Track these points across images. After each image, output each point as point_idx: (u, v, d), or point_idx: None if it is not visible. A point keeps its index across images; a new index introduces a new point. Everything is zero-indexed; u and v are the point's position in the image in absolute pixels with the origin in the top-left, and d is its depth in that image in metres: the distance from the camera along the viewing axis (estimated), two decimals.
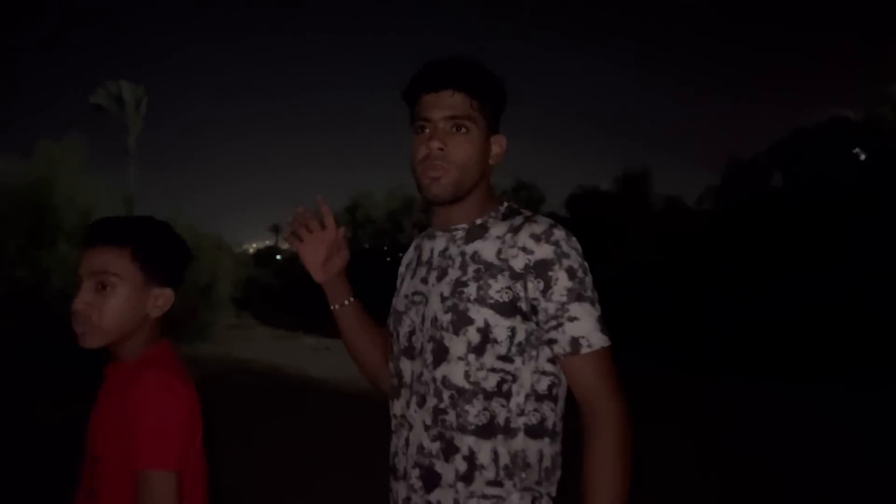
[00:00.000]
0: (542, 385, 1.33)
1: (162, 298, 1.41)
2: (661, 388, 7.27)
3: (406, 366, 1.43)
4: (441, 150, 1.36)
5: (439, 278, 1.41)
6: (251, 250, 36.55)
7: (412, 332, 1.43)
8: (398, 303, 1.52)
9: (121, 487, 1.29)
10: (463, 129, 1.37)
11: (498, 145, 1.45)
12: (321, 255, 1.54)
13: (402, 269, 1.65)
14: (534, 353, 1.32)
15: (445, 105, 1.37)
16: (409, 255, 1.64)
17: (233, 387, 7.71)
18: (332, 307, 1.57)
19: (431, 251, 1.48)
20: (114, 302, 1.34)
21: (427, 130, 1.38)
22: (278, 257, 31.30)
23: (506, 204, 1.49)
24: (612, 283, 12.76)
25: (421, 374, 1.38)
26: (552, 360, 1.33)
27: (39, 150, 9.27)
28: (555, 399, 1.34)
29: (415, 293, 1.47)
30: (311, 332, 13.17)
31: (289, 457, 4.90)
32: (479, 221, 1.43)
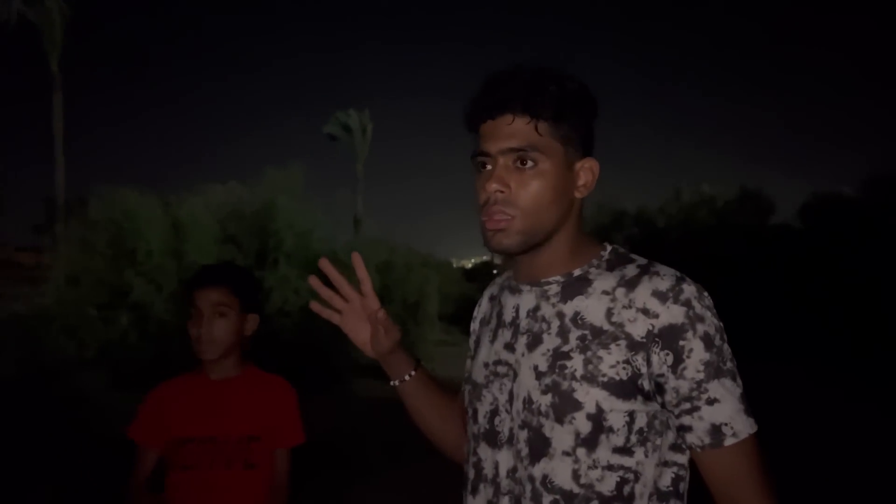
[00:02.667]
0: (666, 480, 1.08)
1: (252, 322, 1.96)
2: None
3: (487, 454, 1.17)
4: (501, 192, 1.10)
5: (531, 346, 1.13)
6: (468, 265, 37.61)
7: (494, 413, 1.17)
8: (476, 372, 1.25)
9: (271, 458, 1.89)
10: (529, 164, 1.10)
11: (587, 172, 1.16)
12: (365, 330, 1.31)
13: (475, 326, 1.38)
14: (658, 441, 1.07)
15: (503, 135, 1.11)
16: (484, 308, 1.36)
17: None
18: (391, 383, 1.34)
19: (516, 310, 1.19)
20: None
21: (487, 167, 1.13)
22: (494, 272, 31.74)
23: (609, 247, 1.19)
24: (862, 307, 11.18)
25: (513, 470, 1.12)
26: (677, 448, 1.09)
27: (266, 176, 10.07)
28: (681, 497, 1.10)
29: (497, 362, 1.19)
30: None
31: None
32: (577, 273, 1.15)
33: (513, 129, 1.10)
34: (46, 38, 18.00)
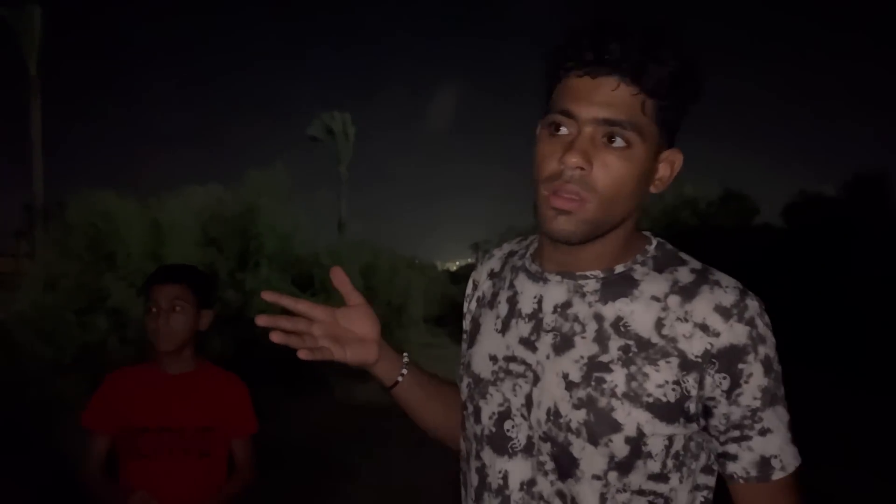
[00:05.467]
0: None
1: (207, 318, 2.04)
2: None
3: (492, 461, 1.02)
4: (581, 169, 0.91)
5: (559, 349, 0.97)
6: (453, 268, 37.60)
7: (505, 416, 1.02)
8: (479, 364, 1.08)
9: (226, 447, 2.02)
10: (619, 142, 0.91)
11: (669, 165, 0.98)
12: (352, 344, 1.10)
13: (471, 306, 1.20)
14: (693, 465, 0.96)
15: (601, 100, 0.90)
16: (484, 287, 1.18)
17: None
18: (389, 389, 1.16)
19: (538, 301, 1.02)
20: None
21: (565, 131, 0.93)
22: None
23: (654, 241, 1.03)
24: (842, 305, 11.24)
25: (531, 483, 0.98)
26: (708, 469, 0.98)
27: (248, 178, 9.97)
28: None
29: (510, 358, 1.03)
30: None
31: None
32: (619, 269, 0.99)
33: (615, 98, 0.90)
34: (25, 42, 17.76)
